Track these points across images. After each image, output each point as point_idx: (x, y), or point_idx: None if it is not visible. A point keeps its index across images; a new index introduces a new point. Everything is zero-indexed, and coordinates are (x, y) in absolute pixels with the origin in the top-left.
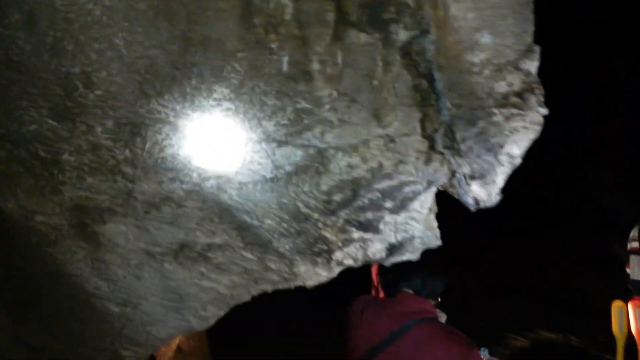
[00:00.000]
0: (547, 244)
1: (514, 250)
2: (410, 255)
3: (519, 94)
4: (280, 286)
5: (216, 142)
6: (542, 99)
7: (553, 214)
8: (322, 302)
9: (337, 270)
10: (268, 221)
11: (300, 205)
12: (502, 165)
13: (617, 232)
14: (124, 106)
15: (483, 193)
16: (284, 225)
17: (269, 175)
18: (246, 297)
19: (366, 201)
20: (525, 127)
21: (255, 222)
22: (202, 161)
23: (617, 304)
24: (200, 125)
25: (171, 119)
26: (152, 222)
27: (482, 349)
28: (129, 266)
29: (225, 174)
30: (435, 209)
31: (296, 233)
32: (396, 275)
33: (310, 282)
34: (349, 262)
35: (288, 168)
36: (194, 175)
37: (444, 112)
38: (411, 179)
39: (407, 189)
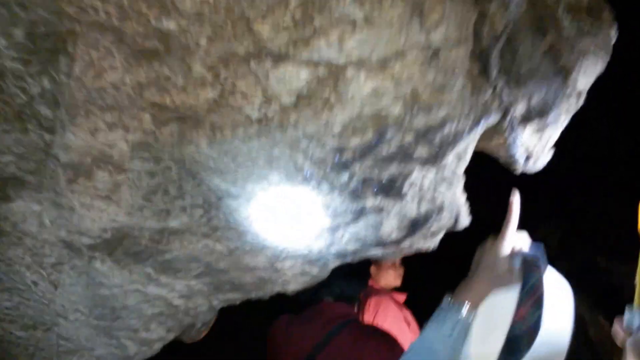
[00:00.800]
0: None
1: None
2: (431, 240)
3: (589, 9)
4: (254, 294)
5: (181, 59)
6: (613, 15)
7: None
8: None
9: (332, 265)
10: (250, 186)
11: (300, 157)
12: (568, 98)
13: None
14: (42, 1)
15: (537, 143)
16: (273, 191)
17: (255, 115)
18: (205, 309)
19: (392, 148)
20: (595, 53)
21: (231, 188)
22: (159, 93)
23: None
24: (159, 32)
25: (115, 22)
26: (79, 196)
27: None
28: (43, 267)
29: (193, 113)
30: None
31: (288, 204)
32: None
33: (293, 286)
34: (352, 247)
35: (286, 100)
36: (146, 117)
37: (512, 7)
38: (455, 112)
39: (447, 130)
